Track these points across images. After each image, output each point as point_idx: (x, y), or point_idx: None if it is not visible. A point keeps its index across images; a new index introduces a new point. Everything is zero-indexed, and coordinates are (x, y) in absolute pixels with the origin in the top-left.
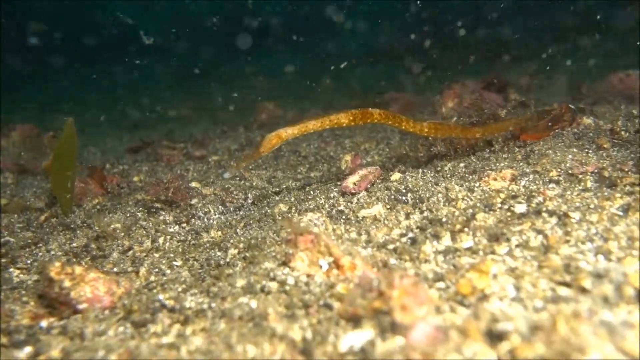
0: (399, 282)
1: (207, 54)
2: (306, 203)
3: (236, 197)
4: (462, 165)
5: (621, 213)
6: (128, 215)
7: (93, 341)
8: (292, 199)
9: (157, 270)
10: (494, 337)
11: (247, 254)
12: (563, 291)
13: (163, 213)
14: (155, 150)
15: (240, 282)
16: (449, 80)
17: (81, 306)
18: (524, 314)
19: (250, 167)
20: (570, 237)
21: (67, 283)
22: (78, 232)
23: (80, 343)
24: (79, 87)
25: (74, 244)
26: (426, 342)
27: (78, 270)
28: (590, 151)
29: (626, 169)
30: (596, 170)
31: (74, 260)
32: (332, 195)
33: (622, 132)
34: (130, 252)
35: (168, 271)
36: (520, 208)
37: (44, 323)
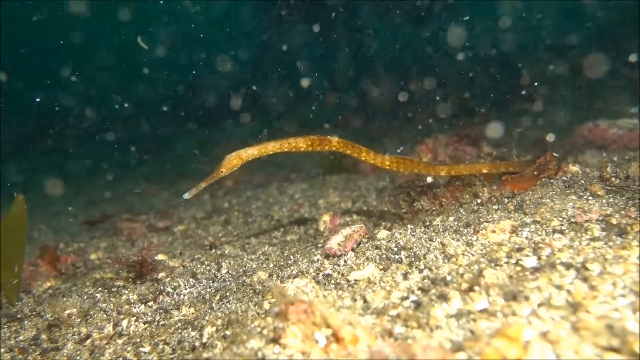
0: (423, 355)
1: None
2: (288, 269)
3: (208, 267)
4: (451, 218)
5: None
6: (85, 297)
7: None
8: (271, 265)
9: None
10: None
11: (227, 332)
12: (612, 357)
13: (126, 292)
14: (114, 225)
15: None
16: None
17: None
18: None
19: (220, 234)
20: (598, 293)
21: None
22: (26, 322)
23: None
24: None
25: (21, 337)
26: None
27: None
28: (590, 198)
29: (632, 216)
30: (601, 218)
31: (20, 357)
32: (315, 258)
33: (613, 179)
34: (89, 341)
35: None
36: (530, 262)
37: None
